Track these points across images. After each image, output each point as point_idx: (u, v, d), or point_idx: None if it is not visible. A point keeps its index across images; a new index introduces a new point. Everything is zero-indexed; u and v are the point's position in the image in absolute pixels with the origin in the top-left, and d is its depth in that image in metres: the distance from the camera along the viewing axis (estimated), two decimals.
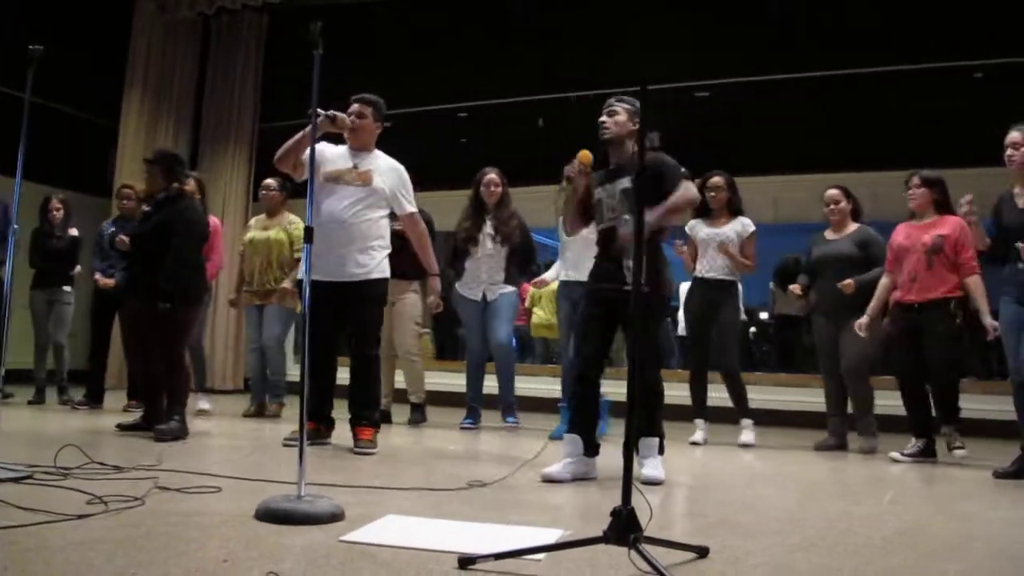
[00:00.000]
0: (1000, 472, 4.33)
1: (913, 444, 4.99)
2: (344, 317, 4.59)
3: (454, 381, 7.05)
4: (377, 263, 4.57)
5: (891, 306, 5.20)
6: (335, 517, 2.55)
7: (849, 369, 5.42)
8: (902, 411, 5.20)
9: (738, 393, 5.67)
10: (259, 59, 9.97)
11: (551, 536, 2.40)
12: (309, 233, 2.78)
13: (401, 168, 4.73)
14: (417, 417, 6.32)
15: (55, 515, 2.40)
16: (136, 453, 3.90)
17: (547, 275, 6.36)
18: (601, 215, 3.86)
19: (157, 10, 9.44)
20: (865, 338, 5.28)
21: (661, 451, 3.78)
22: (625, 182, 3.72)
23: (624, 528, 2.01)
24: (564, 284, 5.82)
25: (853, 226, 5.59)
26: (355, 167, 4.55)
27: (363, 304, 4.55)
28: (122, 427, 4.92)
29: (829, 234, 5.68)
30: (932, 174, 5.13)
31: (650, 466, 3.69)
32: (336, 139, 4.70)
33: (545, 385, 7.22)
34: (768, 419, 6.88)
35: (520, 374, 6.69)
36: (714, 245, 5.68)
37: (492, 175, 6.17)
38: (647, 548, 2.02)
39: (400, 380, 6.47)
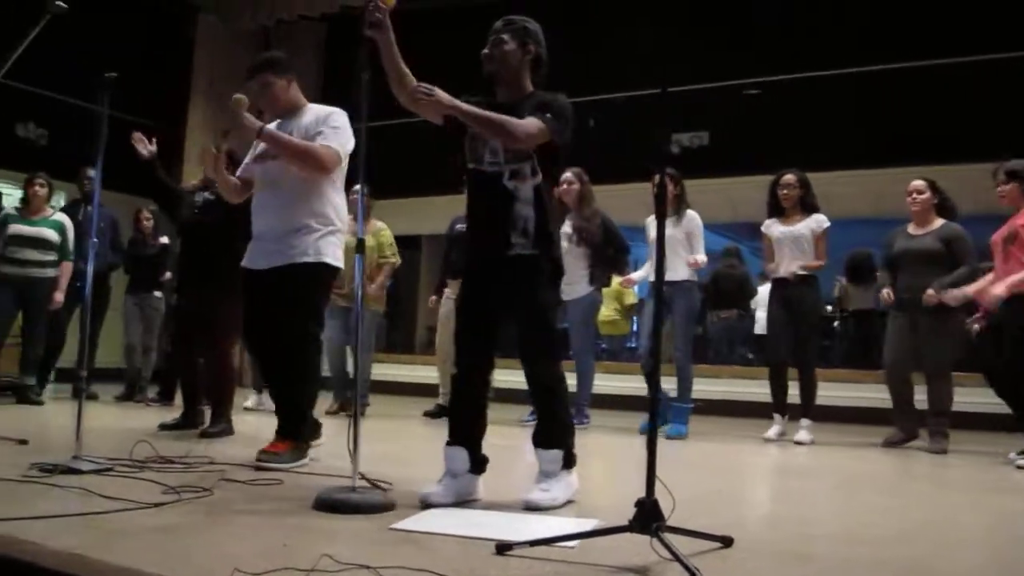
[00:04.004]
0: None
1: None
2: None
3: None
4: (308, 245, 3.79)
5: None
6: (385, 507, 2.75)
7: (932, 368, 5.38)
8: (980, 408, 5.20)
9: (809, 390, 5.67)
10: (318, 66, 10.31)
11: (584, 525, 2.57)
12: (361, 245, 2.98)
13: (332, 110, 3.90)
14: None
15: (134, 503, 2.65)
16: (202, 448, 4.17)
17: (635, 275, 6.45)
18: (479, 154, 3.04)
19: (219, 23, 9.82)
20: (950, 338, 5.29)
21: (568, 464, 3.03)
22: None
23: (647, 518, 2.17)
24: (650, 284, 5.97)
25: (939, 222, 5.51)
26: None
27: (292, 295, 3.80)
28: (164, 426, 4.98)
29: (912, 228, 5.63)
30: (1018, 165, 4.99)
31: (541, 487, 2.94)
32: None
33: (606, 382, 7.29)
34: (834, 415, 6.94)
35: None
36: (789, 243, 5.71)
37: (566, 173, 6.14)
38: (671, 537, 2.17)
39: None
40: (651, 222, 6.00)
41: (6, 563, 2.03)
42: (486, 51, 3.07)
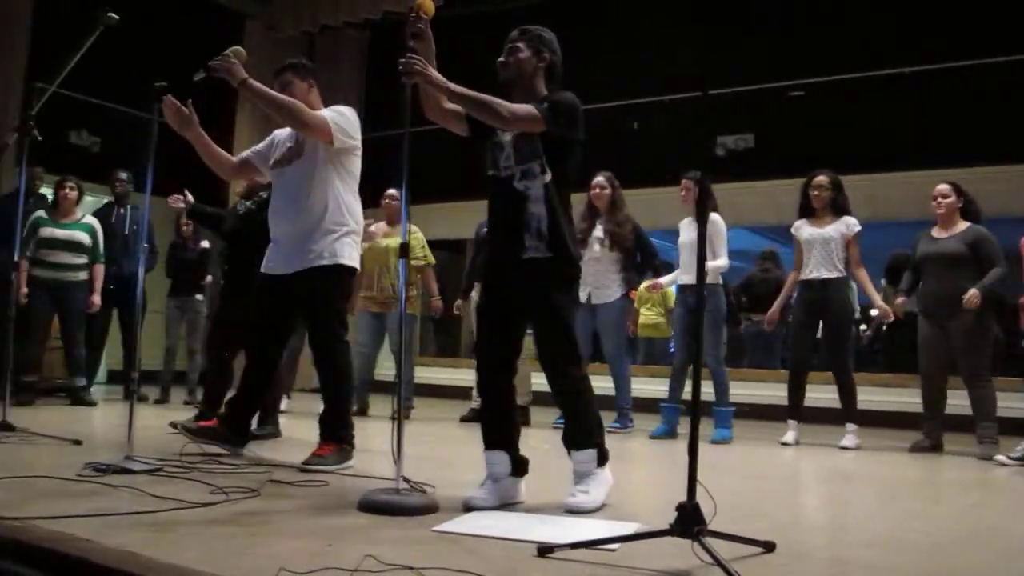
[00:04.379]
0: None
1: (1022, 446, 4.87)
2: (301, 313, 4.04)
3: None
4: (324, 248, 3.86)
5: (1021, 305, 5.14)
6: (429, 509, 2.79)
7: (969, 374, 5.32)
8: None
9: (848, 394, 5.61)
10: (361, 72, 10.43)
11: (626, 529, 2.57)
12: (404, 249, 3.01)
13: (338, 107, 3.98)
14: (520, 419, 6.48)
15: (183, 503, 2.71)
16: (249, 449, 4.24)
17: (663, 280, 6.47)
18: (495, 160, 3.09)
19: (265, 30, 9.98)
20: (982, 339, 5.25)
21: (602, 461, 3.04)
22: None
23: (688, 522, 2.17)
24: (681, 287, 5.98)
25: (963, 225, 5.46)
26: (296, 143, 3.96)
27: (313, 298, 3.90)
28: (174, 425, 4.77)
29: (936, 231, 5.57)
30: None
31: (580, 489, 2.97)
32: None
33: (648, 385, 7.28)
34: (871, 420, 6.86)
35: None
36: (818, 245, 5.67)
37: (598, 178, 6.25)
38: (712, 541, 2.17)
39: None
40: (683, 224, 6.01)
41: (61, 558, 2.09)
42: (502, 59, 3.10)
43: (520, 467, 3.09)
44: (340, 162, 3.92)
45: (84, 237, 6.73)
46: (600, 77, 8.55)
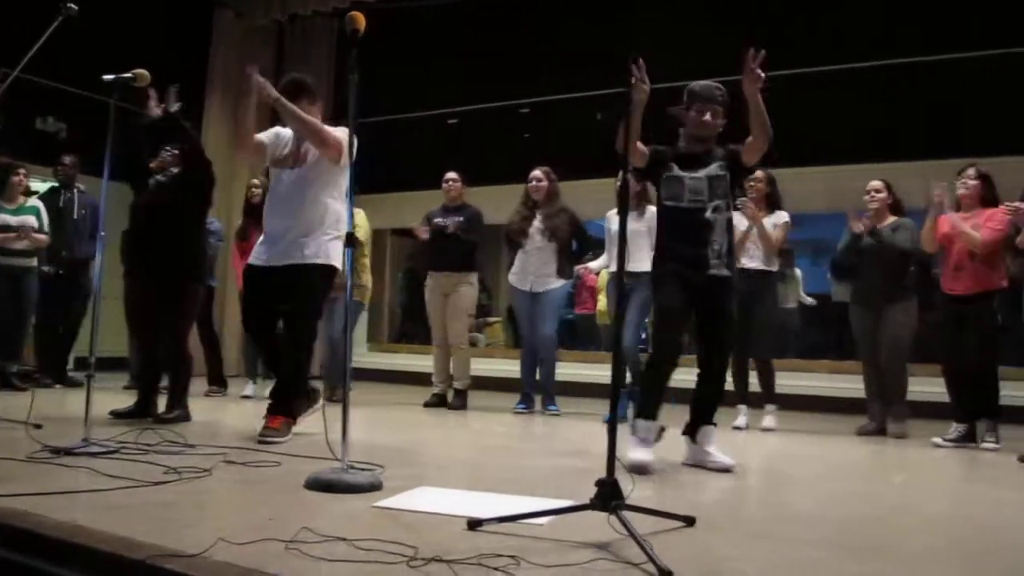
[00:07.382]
0: None
1: (954, 429, 5.16)
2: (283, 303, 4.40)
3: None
4: (319, 248, 4.28)
5: (941, 296, 5.39)
6: (373, 487, 2.91)
7: (888, 357, 5.62)
8: (938, 398, 5.44)
9: (767, 380, 5.92)
10: (331, 61, 10.43)
11: (560, 505, 2.70)
12: (350, 239, 3.13)
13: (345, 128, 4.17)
14: (457, 403, 6.64)
15: (136, 482, 2.82)
16: (208, 432, 4.36)
17: (592, 264, 6.64)
18: (680, 194, 3.79)
19: (235, 17, 10.00)
20: (904, 327, 5.56)
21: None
22: (715, 169, 3.77)
23: (607, 497, 2.31)
24: (614, 275, 6.12)
25: (891, 218, 5.75)
26: (297, 149, 4.39)
27: (301, 290, 4.29)
28: (115, 413, 4.87)
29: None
30: (985, 169, 5.36)
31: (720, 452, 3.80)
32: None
33: (608, 372, 7.40)
34: (815, 405, 7.17)
35: (585, 361, 7.10)
36: (752, 236, 5.85)
37: (536, 172, 6.51)
38: (635, 515, 2.31)
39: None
40: (611, 215, 6.21)
41: (12, 532, 2.20)
42: (708, 118, 3.79)
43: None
44: (335, 174, 4.32)
45: (33, 221, 6.76)
46: (571, 70, 8.64)
